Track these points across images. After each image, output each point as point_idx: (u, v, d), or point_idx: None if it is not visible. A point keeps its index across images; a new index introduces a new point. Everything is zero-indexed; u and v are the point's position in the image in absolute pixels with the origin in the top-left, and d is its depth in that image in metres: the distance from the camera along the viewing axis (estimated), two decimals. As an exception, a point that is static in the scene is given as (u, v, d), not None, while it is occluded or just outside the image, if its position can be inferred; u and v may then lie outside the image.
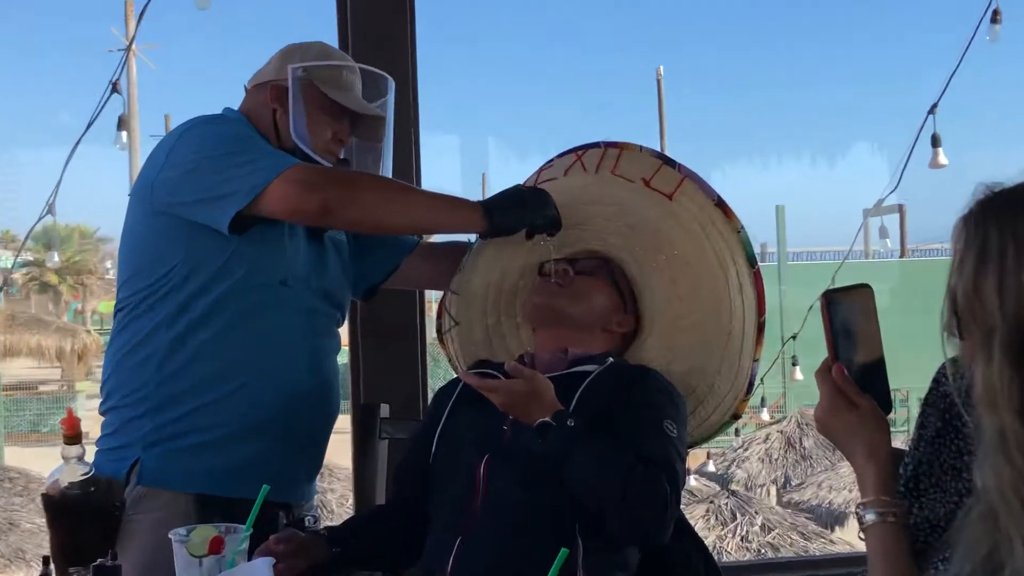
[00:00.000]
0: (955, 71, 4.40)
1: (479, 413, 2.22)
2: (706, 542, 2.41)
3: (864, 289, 1.60)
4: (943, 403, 1.64)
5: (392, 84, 2.66)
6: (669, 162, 2.40)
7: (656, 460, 2.07)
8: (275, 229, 2.42)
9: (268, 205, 2.27)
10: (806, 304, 6.37)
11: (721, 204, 2.35)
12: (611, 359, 2.30)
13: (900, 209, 20.49)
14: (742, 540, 9.88)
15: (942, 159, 4.53)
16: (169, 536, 1.78)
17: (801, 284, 12.68)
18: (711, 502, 10.38)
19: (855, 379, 1.57)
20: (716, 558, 2.57)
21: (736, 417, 2.45)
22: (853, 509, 1.64)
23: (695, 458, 13.37)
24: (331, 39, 3.00)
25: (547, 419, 2.06)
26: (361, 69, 2.60)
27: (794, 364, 9.44)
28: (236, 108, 2.59)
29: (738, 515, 10.13)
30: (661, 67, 24.53)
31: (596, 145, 2.48)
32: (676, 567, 2.30)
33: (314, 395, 2.52)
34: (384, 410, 2.72)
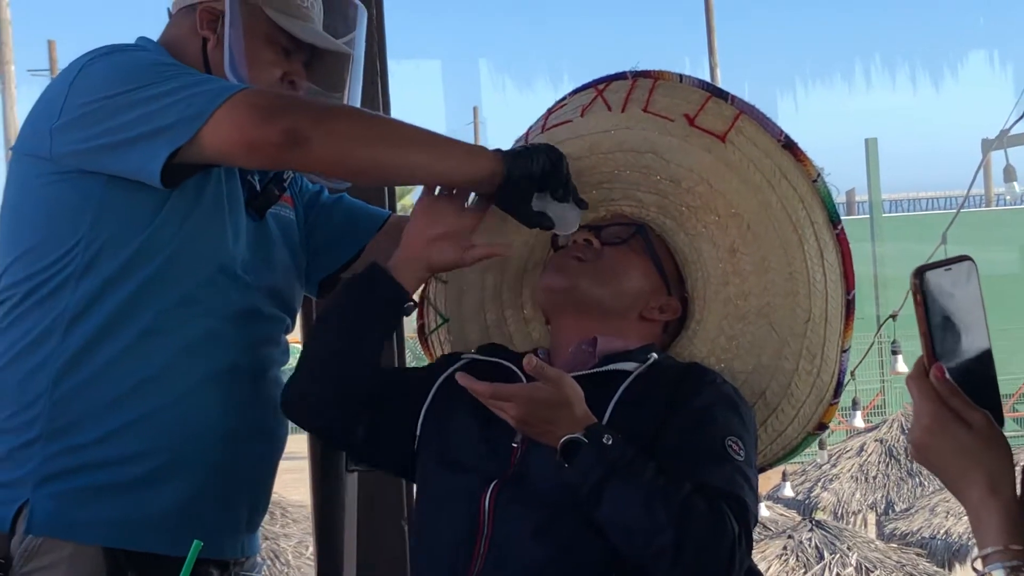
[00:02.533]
0: None
1: (480, 416, 2.20)
2: None
3: (966, 262, 1.59)
4: None
5: (364, 14, 2.64)
6: (720, 93, 2.37)
7: (720, 492, 2.05)
8: (213, 194, 2.40)
9: (215, 140, 2.21)
10: (908, 271, 6.45)
11: (790, 145, 2.32)
12: (654, 355, 2.27)
13: None
14: None
15: None
16: None
17: (902, 242, 12.76)
18: (789, 536, 10.46)
19: (960, 384, 1.56)
20: None
21: (822, 427, 2.45)
22: (973, 558, 1.50)
23: (767, 479, 13.54)
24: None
25: (577, 435, 2.02)
26: None
27: (894, 352, 9.41)
28: (153, 39, 2.54)
29: (825, 553, 10.19)
30: None
31: (622, 76, 2.44)
32: None
33: (255, 419, 2.50)
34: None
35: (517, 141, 2.50)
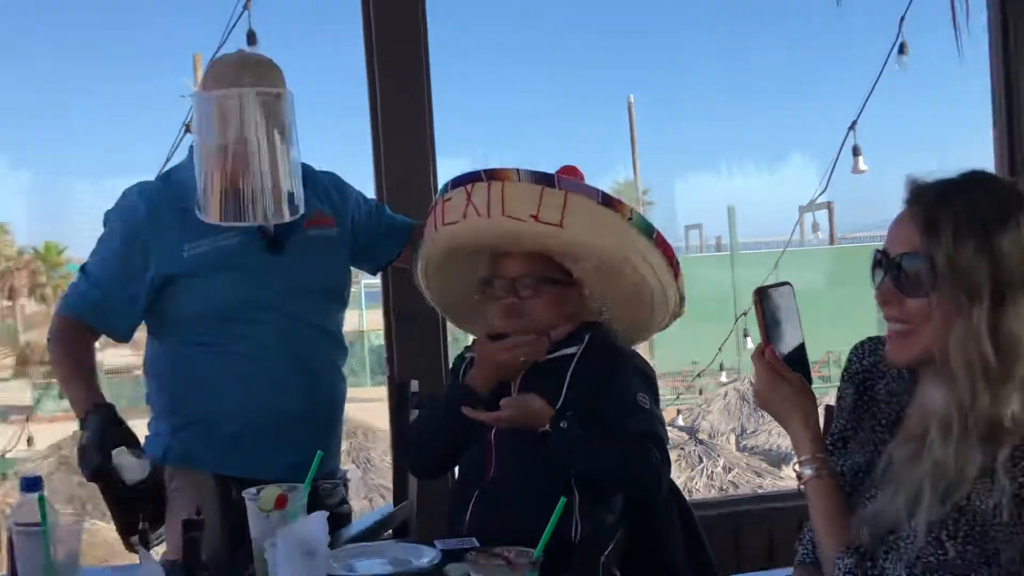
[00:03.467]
0: (870, 93, 4.27)
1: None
2: (678, 482, 2.34)
3: (787, 286, 1.60)
4: (857, 378, 1.67)
5: (288, 96, 2.23)
6: (548, 181, 2.12)
7: (642, 433, 2.05)
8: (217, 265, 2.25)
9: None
10: (754, 285, 6.71)
11: (607, 201, 2.13)
12: (588, 335, 2.20)
13: (829, 206, 20.24)
14: (708, 479, 10.21)
15: (862, 166, 4.36)
16: (243, 495, 1.74)
17: (751, 269, 13.35)
18: (682, 449, 10.65)
19: (784, 359, 1.57)
20: (687, 496, 2.53)
21: (677, 316, 2.36)
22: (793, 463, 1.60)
23: (667, 414, 13.99)
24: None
25: (546, 428, 2.03)
26: (229, 94, 2.18)
27: (746, 336, 9.53)
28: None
29: (704, 459, 10.49)
30: (632, 96, 25.54)
31: (478, 177, 2.16)
32: (654, 509, 2.28)
33: (304, 395, 2.33)
34: (414, 385, 2.62)
35: (431, 209, 2.28)
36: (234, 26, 3.19)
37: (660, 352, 21.63)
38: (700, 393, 13.76)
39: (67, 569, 1.60)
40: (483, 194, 2.12)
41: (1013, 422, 1.37)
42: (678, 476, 9.87)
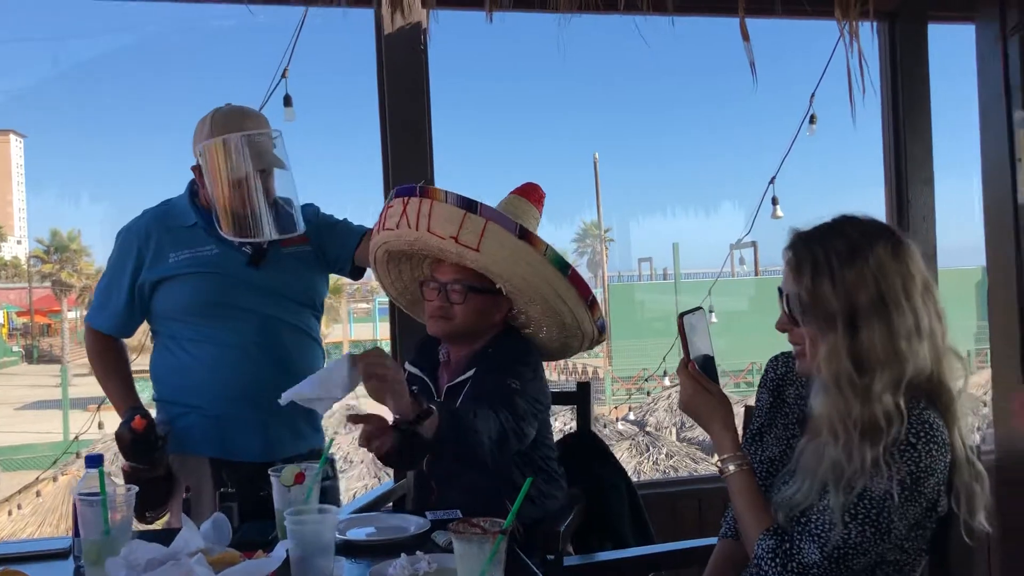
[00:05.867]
0: (787, 154, 4.25)
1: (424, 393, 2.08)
2: (628, 467, 2.44)
3: (700, 310, 1.60)
4: (771, 384, 1.68)
5: (276, 135, 2.22)
6: (471, 207, 1.96)
7: (506, 410, 1.92)
8: (188, 294, 2.20)
9: None
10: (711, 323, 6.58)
11: (524, 235, 1.97)
12: (490, 349, 2.07)
13: (754, 245, 20.81)
14: (653, 465, 9.99)
15: (779, 212, 4.33)
16: (268, 472, 1.70)
17: (690, 295, 13.48)
18: (632, 439, 10.52)
19: (703, 371, 1.57)
20: (635, 479, 2.52)
21: (596, 343, 2.21)
22: (715, 461, 1.58)
23: (621, 410, 13.96)
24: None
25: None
26: (241, 136, 2.16)
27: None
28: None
29: (650, 448, 10.29)
30: (596, 153, 26.31)
31: (413, 191, 2.02)
32: (606, 489, 2.28)
33: (283, 387, 2.09)
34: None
35: (381, 215, 2.13)
36: (273, 91, 3.18)
37: (617, 361, 21.87)
38: (648, 394, 13.84)
39: (122, 532, 1.58)
40: (415, 208, 2.00)
41: (886, 421, 1.38)
42: (628, 461, 9.77)
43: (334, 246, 2.41)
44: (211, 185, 2.17)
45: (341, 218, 2.49)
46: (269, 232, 2.19)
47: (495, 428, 1.87)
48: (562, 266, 2.01)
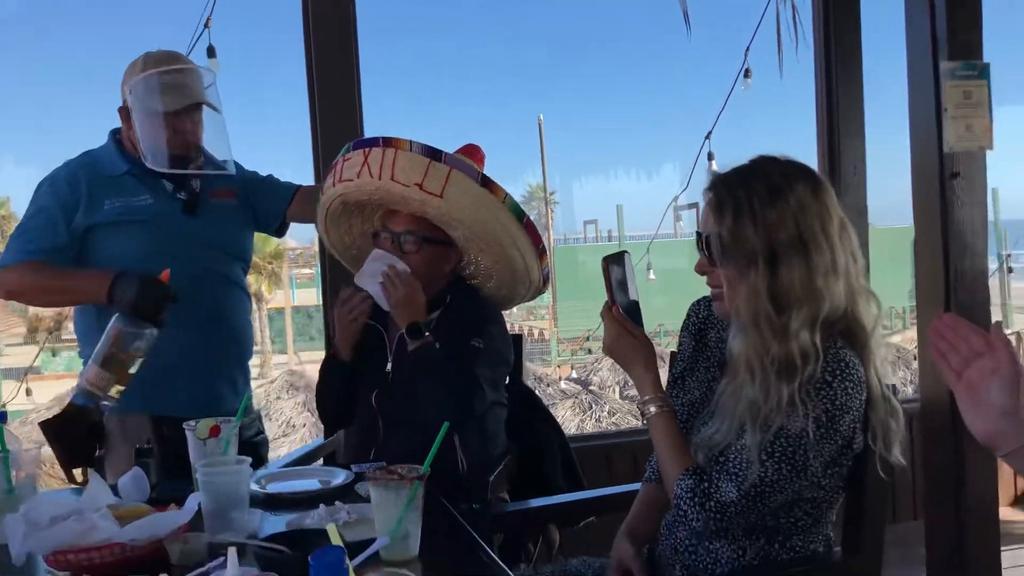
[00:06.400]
0: (722, 109, 4.42)
1: (368, 355, 2.12)
2: (571, 424, 2.53)
3: (626, 253, 1.58)
4: (693, 328, 1.68)
5: (206, 74, 2.21)
6: (435, 155, 1.98)
7: (470, 367, 1.97)
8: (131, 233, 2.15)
9: None
10: (641, 272, 6.26)
11: (486, 182, 2.01)
12: (449, 296, 2.10)
13: (696, 207, 21.26)
14: (596, 422, 10.16)
15: (715, 167, 4.76)
16: (183, 426, 1.67)
17: (634, 257, 13.62)
18: (576, 398, 10.66)
19: (626, 314, 1.55)
20: (580, 433, 2.60)
21: (541, 293, 2.26)
22: (638, 402, 1.57)
23: (565, 371, 14.13)
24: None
25: (415, 323, 1.99)
26: (176, 69, 2.16)
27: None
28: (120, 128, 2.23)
29: (593, 406, 10.45)
30: (541, 115, 26.16)
31: (376, 142, 2.02)
32: (538, 441, 2.29)
33: (220, 339, 2.24)
34: None
35: (332, 166, 2.12)
36: (196, 41, 3.13)
37: (562, 322, 22.03)
38: (589, 352, 13.95)
39: (25, 490, 1.53)
40: (378, 158, 2.00)
41: (802, 359, 1.38)
42: (571, 419, 9.95)
43: (265, 202, 2.40)
44: (142, 121, 2.15)
45: (265, 174, 2.46)
46: (203, 164, 2.19)
47: (460, 389, 1.93)
48: (519, 214, 2.05)
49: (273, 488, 1.77)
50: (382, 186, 1.99)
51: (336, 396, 2.18)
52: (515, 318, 23.37)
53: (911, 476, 3.69)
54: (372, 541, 1.16)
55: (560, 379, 12.17)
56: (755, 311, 1.40)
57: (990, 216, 3.29)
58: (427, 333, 1.98)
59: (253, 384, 2.55)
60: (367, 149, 2.02)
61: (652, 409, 1.52)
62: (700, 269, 1.50)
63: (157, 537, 1.31)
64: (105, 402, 1.90)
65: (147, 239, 2.16)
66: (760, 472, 1.38)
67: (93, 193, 2.16)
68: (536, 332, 24.27)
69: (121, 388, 1.90)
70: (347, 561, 0.82)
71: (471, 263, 2.14)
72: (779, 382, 1.38)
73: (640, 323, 1.56)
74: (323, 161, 2.77)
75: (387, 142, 2.00)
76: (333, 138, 2.71)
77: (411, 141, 2.00)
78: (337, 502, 1.57)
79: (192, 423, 1.67)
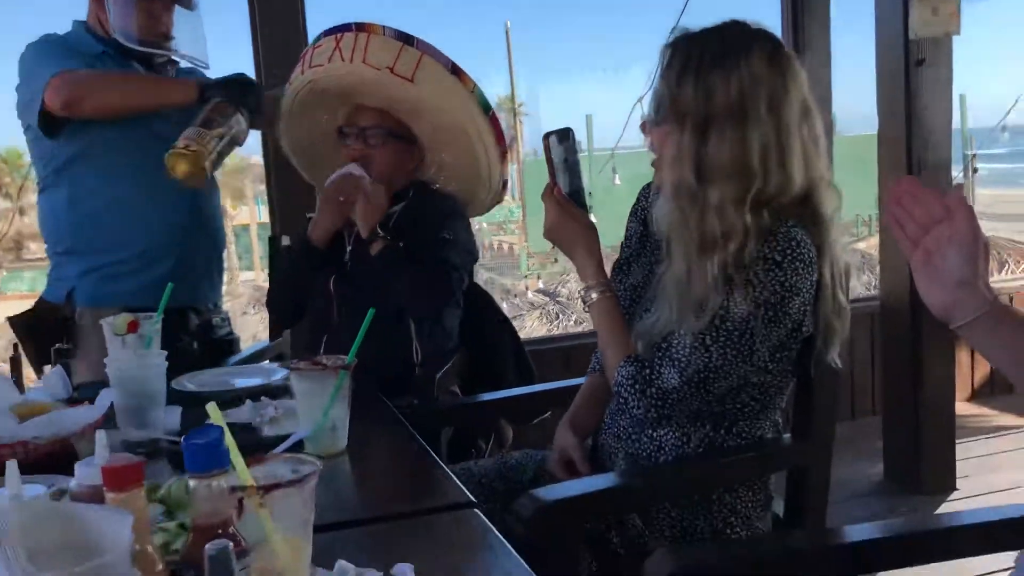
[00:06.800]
0: (684, 8, 3.95)
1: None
2: (538, 333, 2.46)
3: (569, 130, 1.49)
4: (641, 214, 1.61)
5: None
6: (408, 40, 1.97)
7: (442, 257, 1.97)
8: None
9: (48, 105, 2.03)
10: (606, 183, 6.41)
11: (456, 71, 2.00)
12: (412, 191, 2.09)
13: None
14: (563, 331, 9.76)
15: None
16: (100, 322, 1.63)
17: (604, 169, 13.47)
18: (543, 308, 10.61)
19: (569, 197, 1.48)
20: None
21: (498, 203, 2.26)
22: (581, 289, 1.50)
23: (531, 282, 14.10)
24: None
25: (376, 232, 1.97)
26: None
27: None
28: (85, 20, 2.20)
29: (560, 316, 10.31)
30: (508, 21, 25.57)
31: (348, 28, 2.00)
32: (488, 340, 2.23)
33: (196, 227, 2.21)
34: (285, 240, 2.50)
35: (302, 56, 2.10)
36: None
37: (532, 236, 21.91)
38: (556, 260, 13.89)
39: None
40: (350, 43, 1.97)
41: (723, 236, 1.32)
42: (539, 329, 9.89)
43: None
44: (121, 7, 2.12)
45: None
46: (180, 45, 2.18)
47: (431, 279, 1.94)
48: (486, 106, 2.04)
49: (197, 384, 1.70)
50: (353, 70, 1.95)
51: (299, 287, 2.12)
52: (484, 233, 23.25)
53: (871, 373, 3.74)
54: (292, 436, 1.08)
55: (527, 290, 12.13)
56: (677, 178, 1.34)
57: (956, 123, 3.19)
58: (387, 236, 1.96)
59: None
60: (339, 35, 1.99)
61: (594, 295, 1.46)
62: (641, 127, 1.42)
63: (62, 435, 1.24)
64: (201, 156, 1.91)
65: (123, 121, 2.11)
66: (704, 358, 1.32)
67: (79, 60, 2.12)
68: (506, 247, 24.15)
69: (212, 155, 1.91)
70: (227, 443, 0.73)
71: (433, 164, 2.12)
72: (701, 258, 1.32)
73: (585, 207, 1.49)
74: (264, 67, 2.74)
75: (360, 27, 1.97)
76: (275, 45, 2.69)
77: (384, 26, 1.97)
78: (264, 397, 1.50)
79: (110, 318, 1.61)
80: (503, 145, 2.09)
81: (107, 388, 1.38)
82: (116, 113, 2.09)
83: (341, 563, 0.90)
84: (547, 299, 11.47)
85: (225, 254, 2.43)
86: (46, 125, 2.04)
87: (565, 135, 1.48)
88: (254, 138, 2.56)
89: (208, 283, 2.29)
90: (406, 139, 2.07)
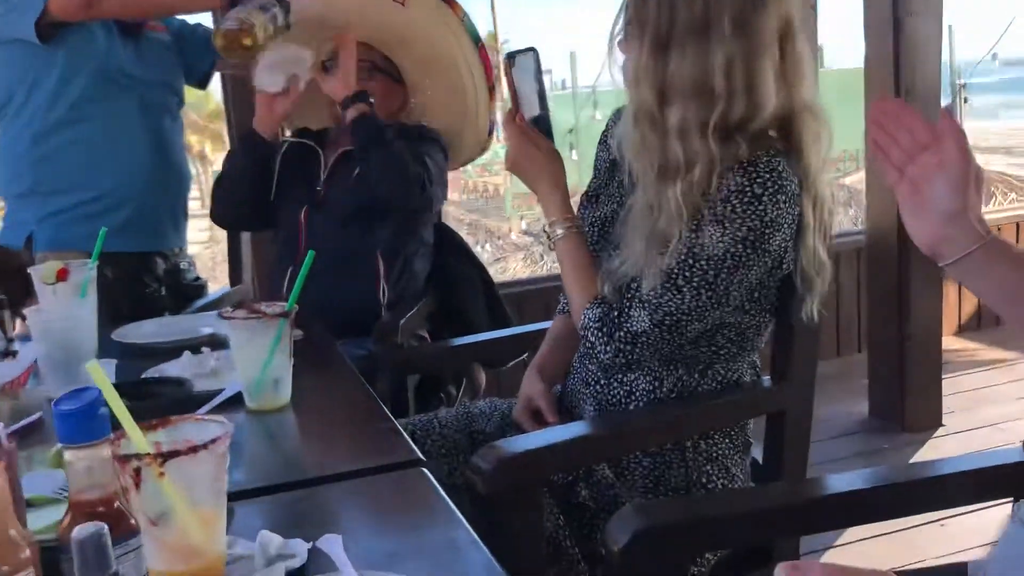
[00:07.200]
0: None
1: (301, 174, 2.06)
2: (523, 275, 2.42)
3: (532, 51, 1.39)
4: (612, 141, 1.46)
5: None
6: None
7: (418, 164, 1.94)
8: (86, 34, 2.03)
9: (53, 7, 1.93)
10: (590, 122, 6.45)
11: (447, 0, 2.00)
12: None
13: None
14: (548, 272, 10.68)
15: None
16: (29, 270, 1.53)
17: (588, 108, 13.27)
18: (526, 250, 10.60)
19: (533, 125, 1.39)
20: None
21: (484, 150, 2.26)
22: (544, 225, 1.41)
23: (517, 225, 13.96)
24: None
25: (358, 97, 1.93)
26: None
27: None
28: None
29: (544, 257, 10.00)
30: None
31: None
32: (459, 282, 2.18)
33: (162, 170, 2.16)
34: None
35: None
36: None
37: (517, 178, 21.75)
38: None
39: None
40: None
41: (685, 163, 1.22)
42: (524, 271, 9.82)
43: (194, 50, 2.29)
44: None
45: (194, 23, 2.36)
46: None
47: (408, 162, 1.89)
48: (475, 36, 2.03)
49: (134, 336, 1.59)
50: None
51: (244, 180, 2.05)
52: (469, 174, 22.97)
53: (856, 310, 3.68)
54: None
55: (511, 232, 12.05)
56: (638, 100, 1.24)
57: (945, 56, 3.08)
58: (369, 103, 1.93)
59: (201, 248, 2.57)
60: None
61: (559, 231, 1.36)
62: (618, 47, 1.30)
63: (-22, 392, 1.12)
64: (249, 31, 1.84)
65: (90, 62, 2.05)
66: (676, 299, 1.23)
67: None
68: (491, 188, 23.92)
69: (258, 42, 1.86)
70: (105, 408, 0.62)
71: (417, 107, 2.10)
72: (661, 184, 1.22)
73: (551, 136, 1.38)
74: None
75: None
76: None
77: None
78: (205, 349, 1.42)
79: (39, 266, 1.50)
80: (491, 80, 2.05)
81: (31, 341, 1.30)
82: (139, 13, 2.08)
83: (264, 533, 0.82)
84: (531, 240, 11.35)
85: (189, 192, 2.37)
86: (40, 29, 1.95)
87: (528, 56, 1.37)
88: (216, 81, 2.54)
89: (173, 226, 2.22)
90: (392, 77, 2.05)
